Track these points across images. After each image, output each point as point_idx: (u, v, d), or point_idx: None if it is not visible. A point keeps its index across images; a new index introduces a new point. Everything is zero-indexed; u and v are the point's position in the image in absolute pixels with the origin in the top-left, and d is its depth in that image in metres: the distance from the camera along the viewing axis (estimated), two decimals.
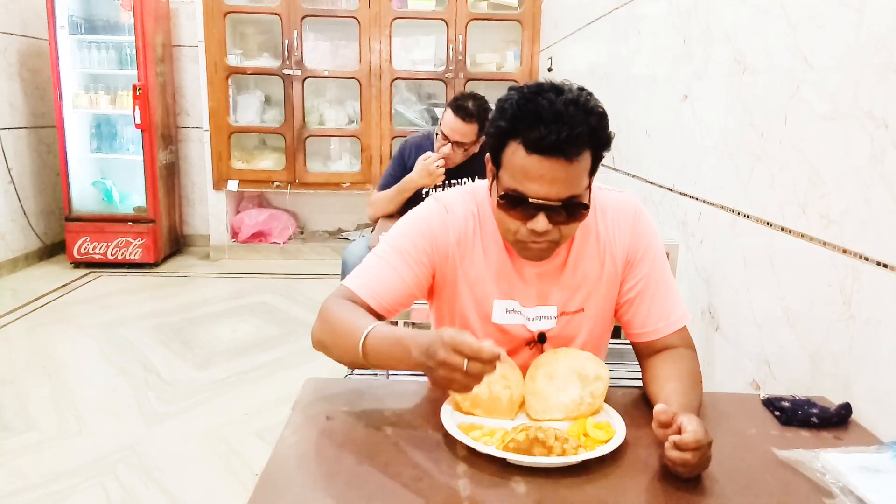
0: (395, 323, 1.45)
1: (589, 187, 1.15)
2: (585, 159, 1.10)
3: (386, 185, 2.93)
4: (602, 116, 1.12)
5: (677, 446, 0.94)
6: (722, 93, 1.91)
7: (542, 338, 1.29)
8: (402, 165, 2.91)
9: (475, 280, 1.27)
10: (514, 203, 1.12)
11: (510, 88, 1.16)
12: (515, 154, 1.09)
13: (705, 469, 0.97)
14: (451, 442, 1.05)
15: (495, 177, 1.16)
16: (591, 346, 1.32)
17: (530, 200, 1.10)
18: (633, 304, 1.29)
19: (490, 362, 0.95)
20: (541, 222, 1.11)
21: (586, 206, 1.14)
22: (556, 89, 1.10)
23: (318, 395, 1.23)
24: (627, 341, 1.37)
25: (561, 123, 1.05)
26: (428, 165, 2.75)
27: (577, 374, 1.14)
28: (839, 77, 1.37)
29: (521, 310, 1.27)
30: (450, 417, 1.10)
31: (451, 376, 0.97)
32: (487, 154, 1.19)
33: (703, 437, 0.94)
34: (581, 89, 1.13)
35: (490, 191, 1.21)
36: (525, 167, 1.08)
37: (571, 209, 1.12)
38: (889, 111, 1.21)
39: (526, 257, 1.21)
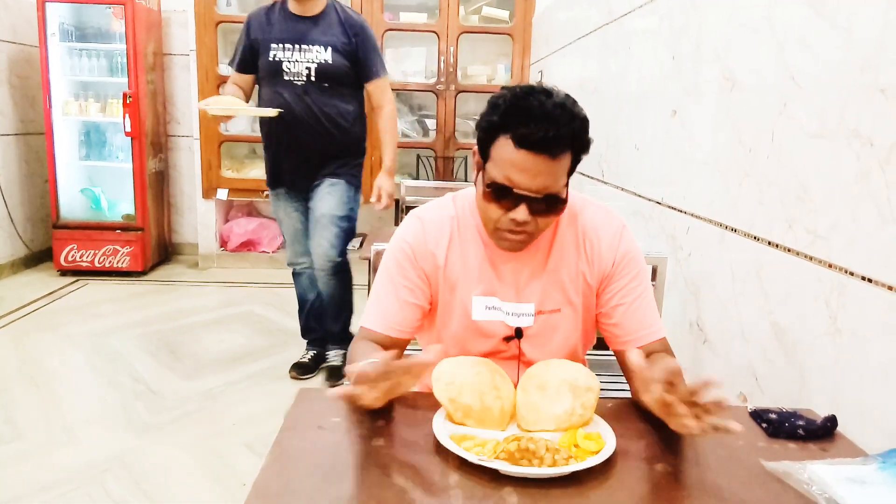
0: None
1: (566, 185, 1.23)
2: (566, 159, 1.19)
3: (237, 61, 3.01)
4: (585, 122, 1.19)
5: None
6: (711, 109, 1.94)
7: (518, 332, 1.33)
8: (249, 40, 2.95)
9: (456, 280, 1.34)
10: (499, 193, 1.20)
11: (503, 88, 1.24)
12: (504, 148, 1.18)
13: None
14: (442, 452, 1.05)
15: (481, 168, 1.25)
16: (569, 350, 1.37)
17: (514, 192, 1.18)
18: (613, 314, 1.33)
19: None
20: (521, 212, 1.19)
21: (563, 202, 1.23)
22: (546, 92, 1.18)
23: (309, 405, 1.23)
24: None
25: (549, 123, 1.13)
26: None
27: (569, 386, 1.15)
28: (826, 96, 1.39)
29: (501, 305, 1.33)
30: (441, 428, 1.11)
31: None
32: (475, 148, 1.28)
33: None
34: (567, 95, 1.20)
35: (475, 182, 1.29)
36: (513, 160, 1.17)
37: (550, 203, 1.20)
38: (875, 130, 1.24)
39: (503, 247, 1.28)
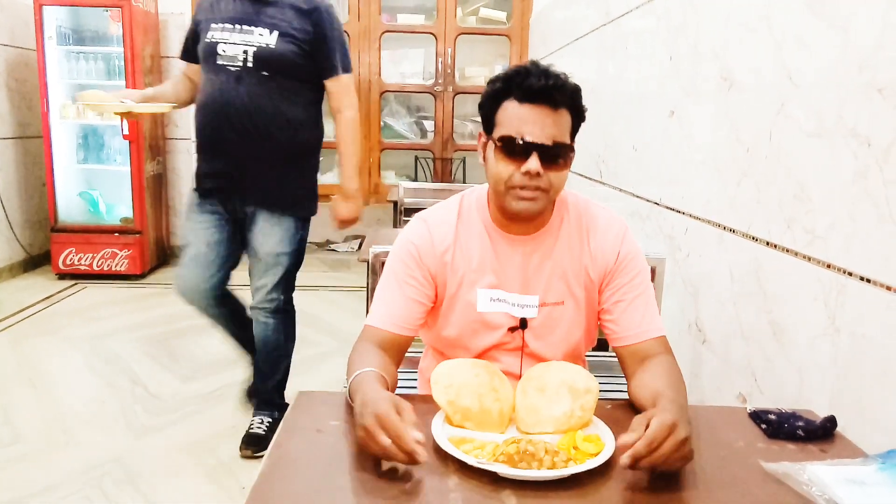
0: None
1: (571, 149, 1.28)
2: (566, 116, 1.26)
3: (181, 49, 2.61)
4: (579, 89, 1.29)
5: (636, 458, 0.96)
6: (709, 109, 1.94)
7: (523, 323, 1.36)
8: (193, 24, 2.52)
9: (462, 275, 1.36)
10: (510, 146, 1.24)
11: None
12: (509, 109, 1.26)
13: (688, 459, 1.00)
14: (441, 455, 1.05)
15: (488, 141, 1.30)
16: (572, 344, 1.40)
17: (525, 141, 1.23)
18: (613, 311, 1.36)
19: (407, 452, 0.98)
20: (533, 162, 1.22)
21: (572, 151, 1.28)
22: (540, 63, 1.29)
23: (308, 408, 1.23)
24: (615, 354, 1.39)
25: (547, 76, 1.24)
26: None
27: (568, 388, 1.15)
28: (824, 95, 1.39)
29: (506, 297, 1.35)
30: (440, 430, 1.10)
31: (367, 442, 1.01)
32: (480, 132, 1.34)
33: (658, 433, 0.96)
34: None
35: (483, 159, 1.34)
36: (519, 115, 1.24)
37: (559, 153, 1.25)
38: (873, 129, 1.24)
39: (517, 209, 1.28)
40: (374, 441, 0.99)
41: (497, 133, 1.27)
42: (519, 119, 1.24)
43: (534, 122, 1.23)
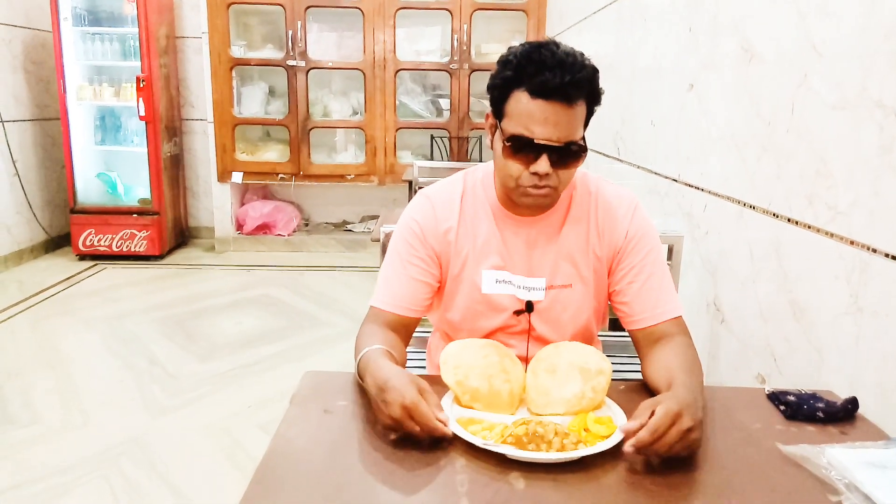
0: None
1: (583, 138, 1.21)
2: (581, 107, 1.18)
3: None
4: (595, 71, 1.20)
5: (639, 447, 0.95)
6: (729, 82, 1.88)
7: (529, 306, 1.32)
8: None
9: (466, 255, 1.33)
10: (519, 146, 1.19)
11: (510, 47, 1.23)
12: (520, 102, 1.17)
13: (694, 448, 0.98)
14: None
15: (497, 128, 1.24)
16: (581, 326, 1.35)
17: (535, 142, 1.17)
18: (626, 292, 1.31)
19: (435, 435, 1.01)
20: (543, 164, 1.17)
21: (583, 150, 1.21)
22: (555, 43, 1.19)
23: (316, 389, 1.22)
24: (628, 334, 1.36)
25: (563, 70, 1.14)
26: None
27: (579, 369, 1.12)
28: (848, 65, 1.34)
29: (512, 279, 1.32)
30: (449, 411, 1.08)
31: (394, 427, 1.02)
32: (488, 112, 1.28)
33: (661, 422, 0.94)
34: (574, 48, 1.20)
35: (491, 145, 1.29)
36: (530, 111, 1.16)
37: (570, 152, 1.19)
38: None
39: (526, 204, 1.25)
40: (403, 429, 1.01)
41: (506, 126, 1.20)
42: (529, 116, 1.16)
43: (545, 121, 1.15)
